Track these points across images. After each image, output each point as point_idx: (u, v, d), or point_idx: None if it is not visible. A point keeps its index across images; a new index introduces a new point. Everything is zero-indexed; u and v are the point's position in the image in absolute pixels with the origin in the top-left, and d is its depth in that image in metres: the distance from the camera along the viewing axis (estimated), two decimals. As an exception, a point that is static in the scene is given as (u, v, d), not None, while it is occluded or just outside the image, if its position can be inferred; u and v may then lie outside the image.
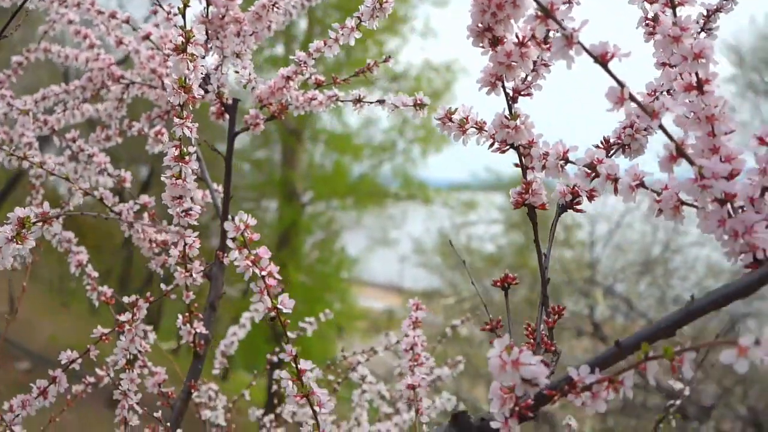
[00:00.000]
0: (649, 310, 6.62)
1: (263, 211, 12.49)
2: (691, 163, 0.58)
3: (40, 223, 0.75)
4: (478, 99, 0.75)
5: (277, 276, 0.70)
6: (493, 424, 0.61)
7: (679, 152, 0.58)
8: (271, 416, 1.55)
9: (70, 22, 1.27)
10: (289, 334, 1.63)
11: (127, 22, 1.16)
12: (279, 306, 0.70)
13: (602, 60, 0.57)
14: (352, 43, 1.01)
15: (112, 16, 1.15)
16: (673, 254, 6.81)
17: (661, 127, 0.58)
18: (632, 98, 0.57)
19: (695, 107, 0.61)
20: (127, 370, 1.02)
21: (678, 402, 1.22)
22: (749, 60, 9.42)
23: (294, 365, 0.73)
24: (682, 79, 0.61)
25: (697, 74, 0.61)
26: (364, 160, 12.17)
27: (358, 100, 1.07)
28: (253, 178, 12.23)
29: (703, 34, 0.80)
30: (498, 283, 0.75)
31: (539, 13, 0.60)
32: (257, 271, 0.69)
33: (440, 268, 10.03)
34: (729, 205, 0.58)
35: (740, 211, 0.59)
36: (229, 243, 0.68)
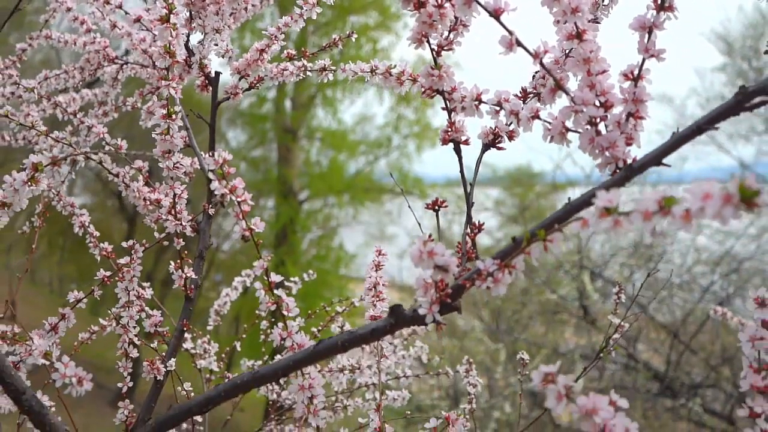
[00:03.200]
0: (640, 294, 6.76)
1: (260, 210, 12.63)
2: (567, 94, 0.73)
3: (50, 166, 0.89)
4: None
5: (250, 202, 0.84)
6: (420, 310, 0.77)
7: (557, 86, 0.74)
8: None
9: (69, 9, 1.42)
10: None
11: (120, 7, 1.31)
12: (252, 227, 0.85)
13: (495, 14, 0.73)
14: (314, 17, 1.16)
15: (107, 2, 1.30)
16: (663, 239, 6.97)
17: (541, 65, 0.73)
18: (519, 43, 0.72)
19: (576, 53, 0.76)
20: (127, 308, 1.17)
21: (617, 336, 1.37)
22: (738, 49, 9.57)
23: (266, 277, 0.87)
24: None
25: (576, 25, 0.76)
26: (359, 157, 12.34)
27: (323, 69, 1.22)
28: (250, 176, 12.37)
29: None
30: (429, 207, 0.91)
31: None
32: (234, 198, 0.84)
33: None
34: (598, 127, 0.73)
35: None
36: (210, 175, 0.83)
